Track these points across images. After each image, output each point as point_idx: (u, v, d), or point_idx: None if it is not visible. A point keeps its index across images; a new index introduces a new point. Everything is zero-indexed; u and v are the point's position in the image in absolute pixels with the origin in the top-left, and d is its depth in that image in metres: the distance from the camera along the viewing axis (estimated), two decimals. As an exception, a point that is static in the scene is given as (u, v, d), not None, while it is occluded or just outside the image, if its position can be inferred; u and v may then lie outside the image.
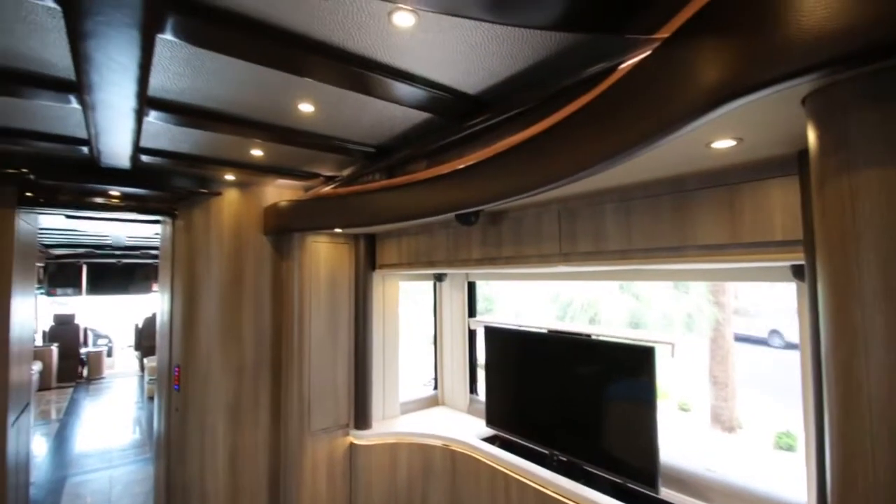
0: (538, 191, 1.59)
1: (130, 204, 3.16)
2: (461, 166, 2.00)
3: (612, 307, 8.69)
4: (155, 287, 10.32)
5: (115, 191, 2.93)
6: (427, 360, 4.18)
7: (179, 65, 1.54)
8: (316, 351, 3.22)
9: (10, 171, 2.48)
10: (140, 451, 5.39)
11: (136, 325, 10.05)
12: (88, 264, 8.67)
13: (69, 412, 6.99)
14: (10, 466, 2.75)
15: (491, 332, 3.19)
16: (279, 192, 3.43)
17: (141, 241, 6.58)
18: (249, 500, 3.21)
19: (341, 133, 2.26)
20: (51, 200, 2.89)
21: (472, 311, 3.76)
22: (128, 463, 4.98)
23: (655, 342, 2.18)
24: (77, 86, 1.58)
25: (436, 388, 3.92)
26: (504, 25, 1.30)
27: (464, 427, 3.26)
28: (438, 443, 3.11)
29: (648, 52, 1.12)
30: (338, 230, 3.14)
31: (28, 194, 2.78)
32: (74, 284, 8.51)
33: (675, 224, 1.72)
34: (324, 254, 3.29)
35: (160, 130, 2.17)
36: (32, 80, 1.60)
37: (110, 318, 12.14)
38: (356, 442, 3.29)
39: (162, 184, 2.97)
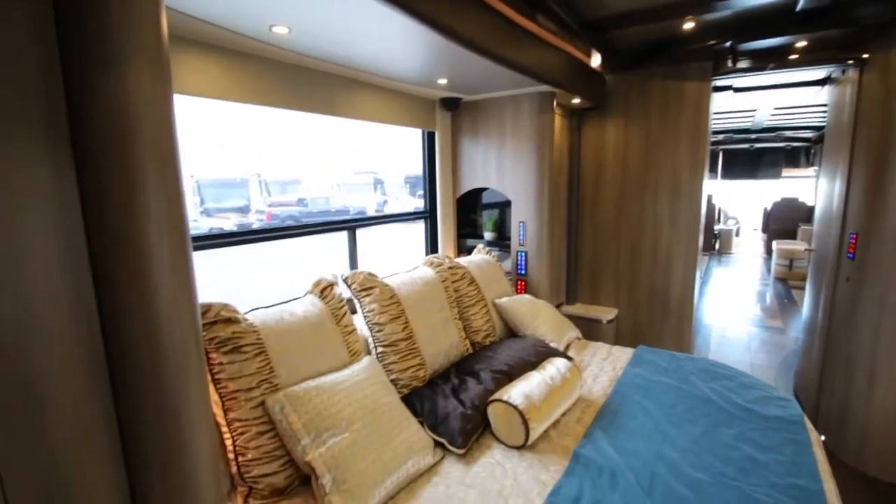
0: None
1: (807, 57, 2.88)
2: None
3: None
4: (784, 173, 9.79)
5: (801, 41, 2.73)
6: None
7: None
8: None
9: (712, 42, 2.77)
10: (765, 319, 5.68)
11: (765, 209, 10.11)
12: (723, 150, 9.32)
13: (705, 275, 8.30)
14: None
15: None
16: None
17: (781, 120, 6.22)
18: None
19: None
20: (732, 69, 3.04)
21: None
22: (757, 327, 5.38)
23: None
24: None
25: None
26: None
27: None
28: None
29: None
30: None
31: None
32: (713, 169, 9.45)
33: None
34: None
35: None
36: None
37: (738, 201, 12.86)
38: None
39: (847, 20, 2.48)
